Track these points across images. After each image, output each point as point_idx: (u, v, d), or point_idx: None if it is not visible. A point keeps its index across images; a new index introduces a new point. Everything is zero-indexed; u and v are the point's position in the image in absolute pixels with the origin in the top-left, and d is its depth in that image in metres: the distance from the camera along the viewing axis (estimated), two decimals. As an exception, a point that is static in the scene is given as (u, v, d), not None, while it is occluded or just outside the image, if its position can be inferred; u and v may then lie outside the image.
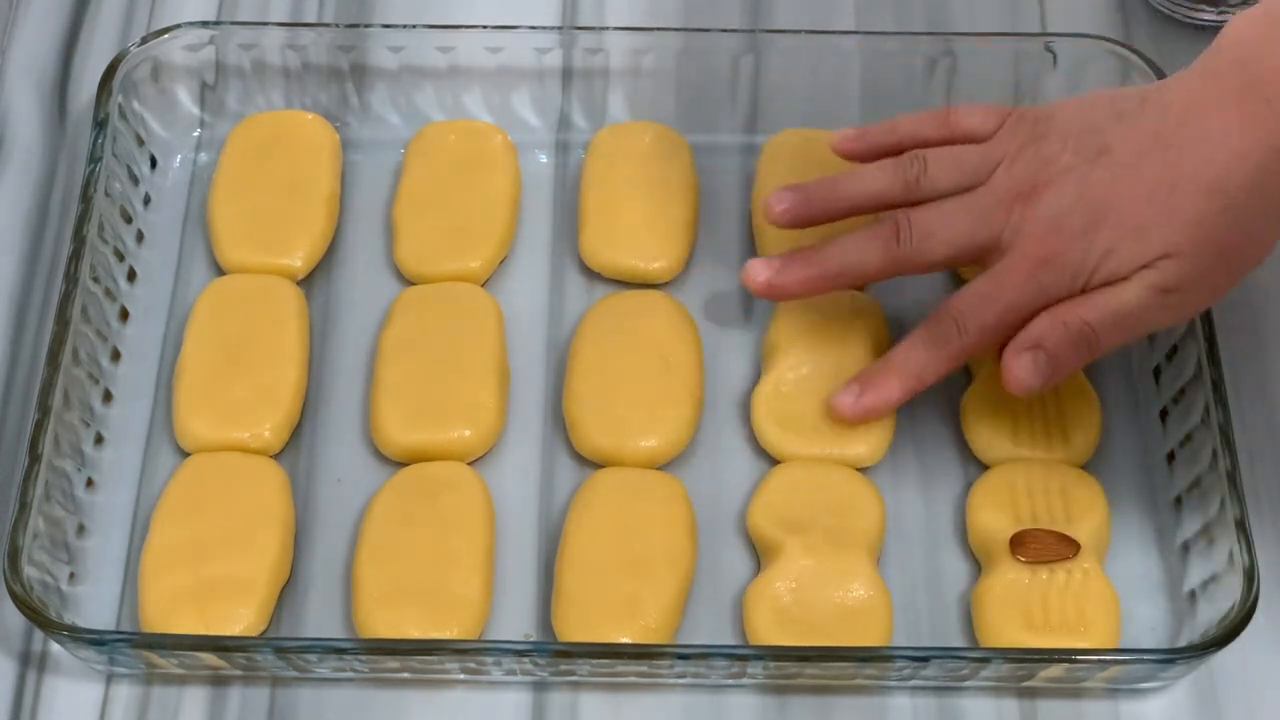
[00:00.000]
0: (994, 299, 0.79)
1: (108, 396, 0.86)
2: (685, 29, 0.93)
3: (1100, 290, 0.77)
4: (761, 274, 0.83)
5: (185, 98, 0.94)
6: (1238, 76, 0.75)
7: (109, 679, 0.79)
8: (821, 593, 0.78)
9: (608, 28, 0.94)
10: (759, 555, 0.81)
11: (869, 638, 0.77)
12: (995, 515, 0.80)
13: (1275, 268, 0.90)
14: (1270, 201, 0.75)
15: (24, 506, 0.78)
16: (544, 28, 0.94)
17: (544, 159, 0.94)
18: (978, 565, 0.81)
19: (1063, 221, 0.77)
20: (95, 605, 0.80)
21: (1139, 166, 0.77)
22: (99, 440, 0.84)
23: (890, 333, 0.87)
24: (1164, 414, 0.85)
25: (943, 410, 0.86)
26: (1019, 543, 0.79)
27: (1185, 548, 0.81)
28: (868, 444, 0.83)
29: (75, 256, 0.84)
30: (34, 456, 0.79)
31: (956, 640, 0.80)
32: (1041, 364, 0.78)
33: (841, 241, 0.82)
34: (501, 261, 0.90)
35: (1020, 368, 0.79)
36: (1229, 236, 0.76)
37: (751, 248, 0.90)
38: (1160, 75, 0.89)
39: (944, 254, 0.80)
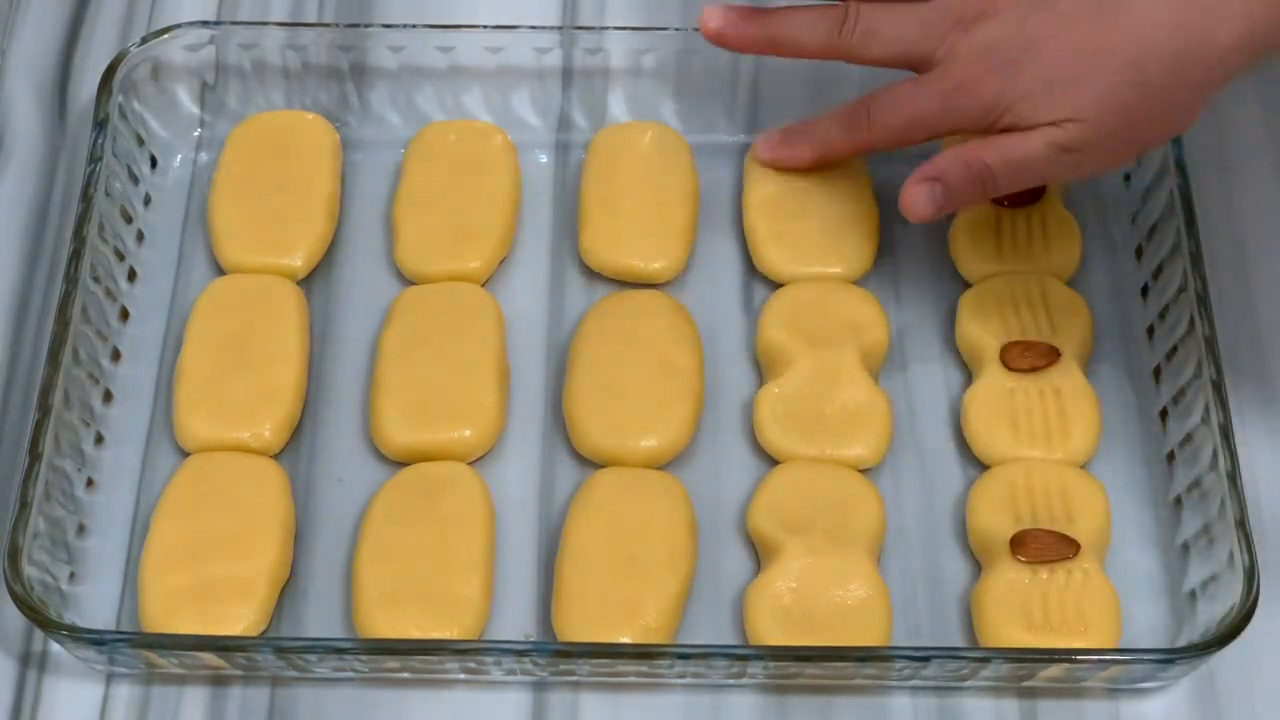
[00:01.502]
0: (906, 107, 0.83)
1: (108, 396, 0.86)
2: (685, 29, 0.93)
3: (1005, 136, 0.80)
4: (714, 21, 0.87)
5: (185, 98, 0.94)
6: None
7: (109, 679, 0.79)
8: (821, 592, 0.78)
9: (608, 28, 0.94)
10: (759, 555, 0.81)
11: (869, 637, 0.77)
12: (995, 515, 0.80)
13: (1276, 268, 0.90)
14: (1182, 87, 0.78)
15: (24, 506, 0.78)
16: (544, 28, 0.94)
17: (544, 159, 0.94)
18: (978, 565, 0.81)
19: (990, 53, 0.80)
20: (95, 605, 0.80)
21: (1075, 23, 0.79)
22: (99, 440, 0.84)
23: (890, 331, 0.87)
24: (1164, 414, 0.85)
25: (943, 410, 0.86)
26: (1019, 543, 0.79)
27: (1185, 548, 0.81)
28: (868, 444, 0.83)
29: (75, 256, 0.84)
30: (34, 456, 0.79)
31: (956, 640, 0.80)
32: (938, 195, 0.82)
33: (791, 13, 0.87)
34: (501, 261, 0.90)
35: (917, 195, 0.82)
36: (1136, 110, 0.78)
37: (751, 248, 0.91)
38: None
39: (881, 54, 0.85)
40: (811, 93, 0.93)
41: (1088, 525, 0.80)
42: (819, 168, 0.90)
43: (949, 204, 0.83)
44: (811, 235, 0.89)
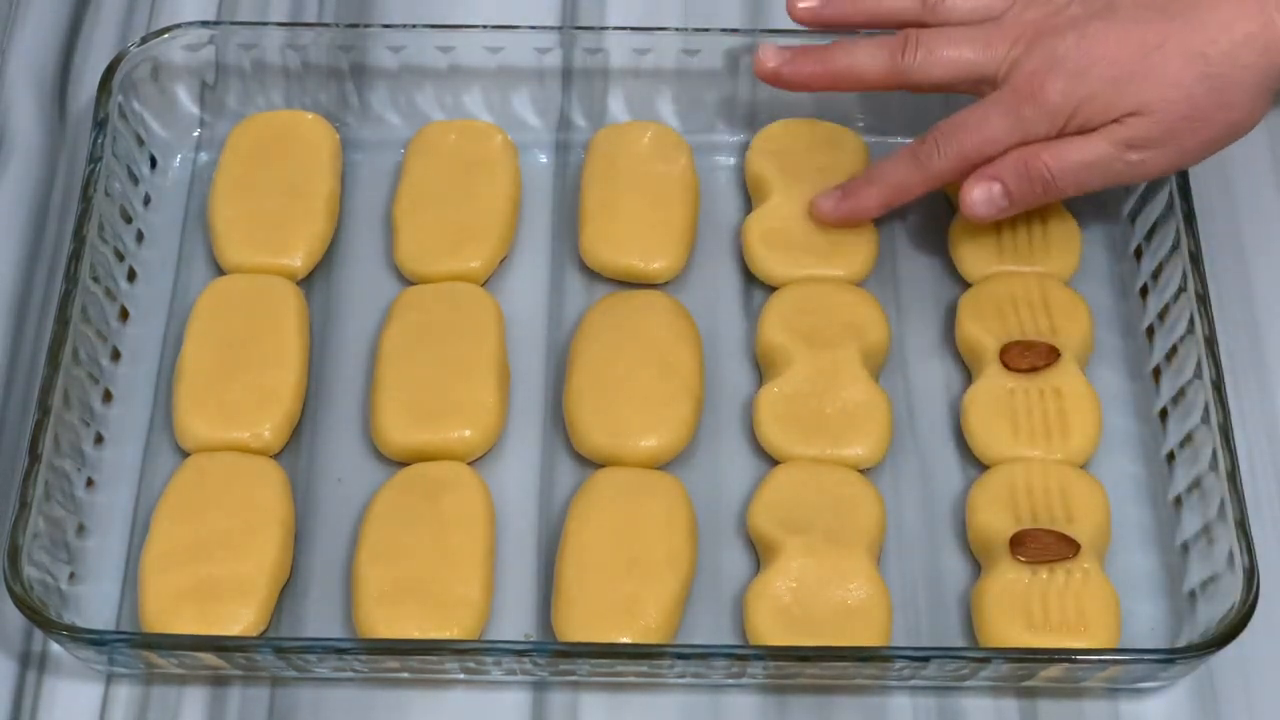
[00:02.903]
0: (976, 128, 0.83)
1: (108, 396, 0.86)
2: (685, 29, 0.93)
3: (1069, 138, 0.82)
4: (771, 60, 0.87)
5: (185, 98, 0.94)
6: None
7: (109, 679, 0.79)
8: (821, 592, 0.78)
9: (608, 28, 0.94)
10: (759, 555, 0.81)
11: (869, 637, 0.77)
12: (995, 515, 0.80)
13: (1276, 268, 0.90)
14: (1248, 75, 0.79)
15: (24, 506, 0.78)
16: (544, 28, 0.94)
17: (544, 159, 0.94)
18: (978, 565, 0.81)
19: (1054, 63, 0.81)
20: (95, 605, 0.80)
21: (1136, 23, 0.80)
22: (99, 440, 0.84)
23: (890, 332, 0.87)
24: (1164, 414, 0.85)
25: (943, 410, 0.86)
26: (1019, 543, 0.79)
27: (1185, 548, 0.81)
28: (868, 444, 0.83)
29: (75, 256, 0.84)
30: (34, 456, 0.79)
31: (956, 640, 0.80)
32: (996, 196, 0.83)
33: (848, 44, 0.87)
34: (501, 261, 0.90)
35: (978, 195, 0.83)
36: (1203, 102, 0.80)
37: (751, 248, 0.91)
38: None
39: (944, 75, 0.85)
40: (811, 93, 0.93)
41: (1088, 525, 0.80)
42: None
43: (1011, 207, 0.84)
44: (811, 236, 0.89)
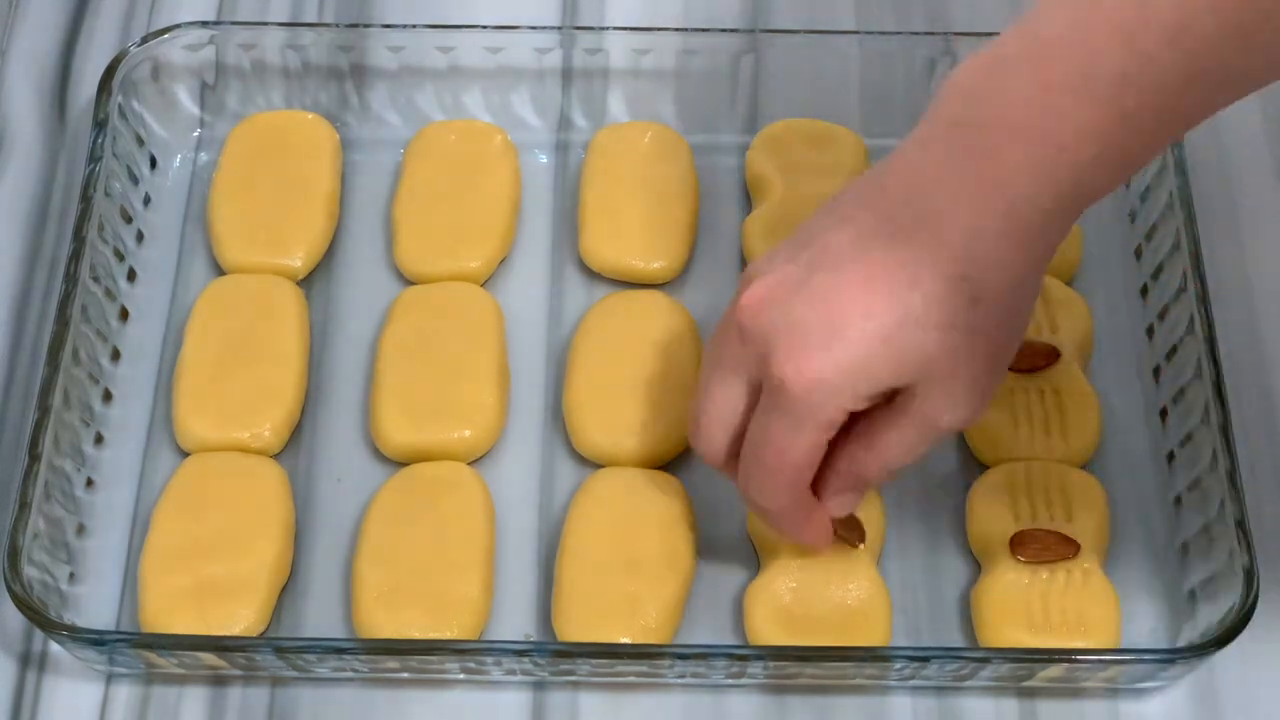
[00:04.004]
0: (770, 446, 0.72)
1: (108, 396, 0.86)
2: (685, 29, 0.93)
3: (876, 436, 0.72)
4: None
5: (185, 98, 0.94)
6: (957, 136, 0.66)
7: (109, 679, 0.79)
8: (821, 593, 0.78)
9: (608, 28, 0.94)
10: (758, 555, 0.81)
11: (869, 638, 0.77)
12: (995, 515, 0.80)
13: (1276, 268, 0.90)
14: (1020, 274, 0.67)
15: (24, 506, 0.78)
16: (544, 28, 0.94)
17: (544, 159, 0.94)
18: (978, 565, 0.81)
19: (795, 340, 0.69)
20: (95, 605, 0.80)
21: (863, 261, 0.68)
22: (99, 440, 0.84)
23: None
24: (1164, 414, 0.85)
25: (943, 410, 0.86)
26: (1019, 543, 0.79)
27: (1185, 548, 0.81)
28: (868, 444, 0.83)
29: (75, 256, 0.84)
30: (34, 456, 0.79)
31: (956, 640, 0.80)
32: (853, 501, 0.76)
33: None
34: (501, 261, 0.90)
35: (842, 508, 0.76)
36: (992, 334, 0.69)
37: (751, 248, 0.91)
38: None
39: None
40: (812, 92, 0.93)
41: (1088, 525, 0.80)
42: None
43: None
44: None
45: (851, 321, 0.68)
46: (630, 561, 0.79)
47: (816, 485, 0.74)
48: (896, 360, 0.68)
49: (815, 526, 0.76)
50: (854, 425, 0.72)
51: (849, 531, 0.79)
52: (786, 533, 0.77)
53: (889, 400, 0.71)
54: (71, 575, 0.80)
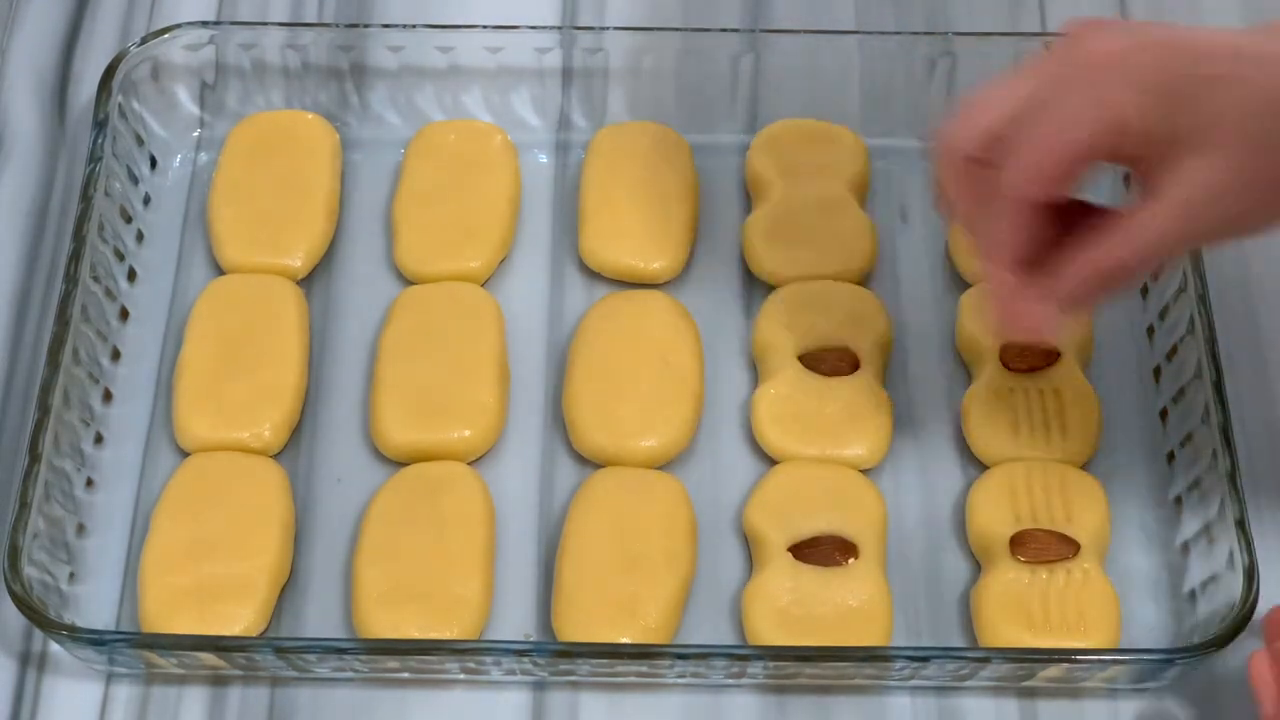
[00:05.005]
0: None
1: (108, 396, 0.86)
2: (685, 29, 0.93)
3: (1131, 217, 0.70)
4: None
5: (185, 98, 0.94)
6: None
7: (109, 679, 0.79)
8: (821, 592, 0.78)
9: (608, 28, 0.94)
10: (752, 554, 0.81)
11: (869, 638, 0.77)
12: (995, 515, 0.80)
13: (1276, 268, 0.90)
14: None
15: (24, 506, 0.78)
16: (544, 28, 0.94)
17: (544, 159, 0.94)
18: (978, 565, 0.81)
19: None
20: (95, 605, 0.80)
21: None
22: (99, 440, 0.84)
23: (892, 328, 0.87)
24: (1164, 414, 0.85)
25: (943, 410, 0.86)
26: (1019, 543, 0.79)
27: (1185, 548, 0.81)
28: (867, 444, 0.83)
29: (75, 256, 0.84)
30: (34, 456, 0.79)
31: (956, 640, 0.80)
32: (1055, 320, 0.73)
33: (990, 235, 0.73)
34: (501, 261, 0.90)
35: (1038, 324, 0.73)
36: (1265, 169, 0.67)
37: (751, 248, 0.91)
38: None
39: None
40: (812, 92, 0.93)
41: (1087, 525, 0.80)
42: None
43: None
44: (812, 235, 0.89)
45: (1181, 33, 0.68)
46: (630, 561, 0.79)
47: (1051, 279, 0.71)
48: (1193, 96, 0.66)
49: (1034, 309, 0.72)
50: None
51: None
52: (1007, 255, 0.72)
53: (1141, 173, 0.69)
54: (71, 575, 0.80)
